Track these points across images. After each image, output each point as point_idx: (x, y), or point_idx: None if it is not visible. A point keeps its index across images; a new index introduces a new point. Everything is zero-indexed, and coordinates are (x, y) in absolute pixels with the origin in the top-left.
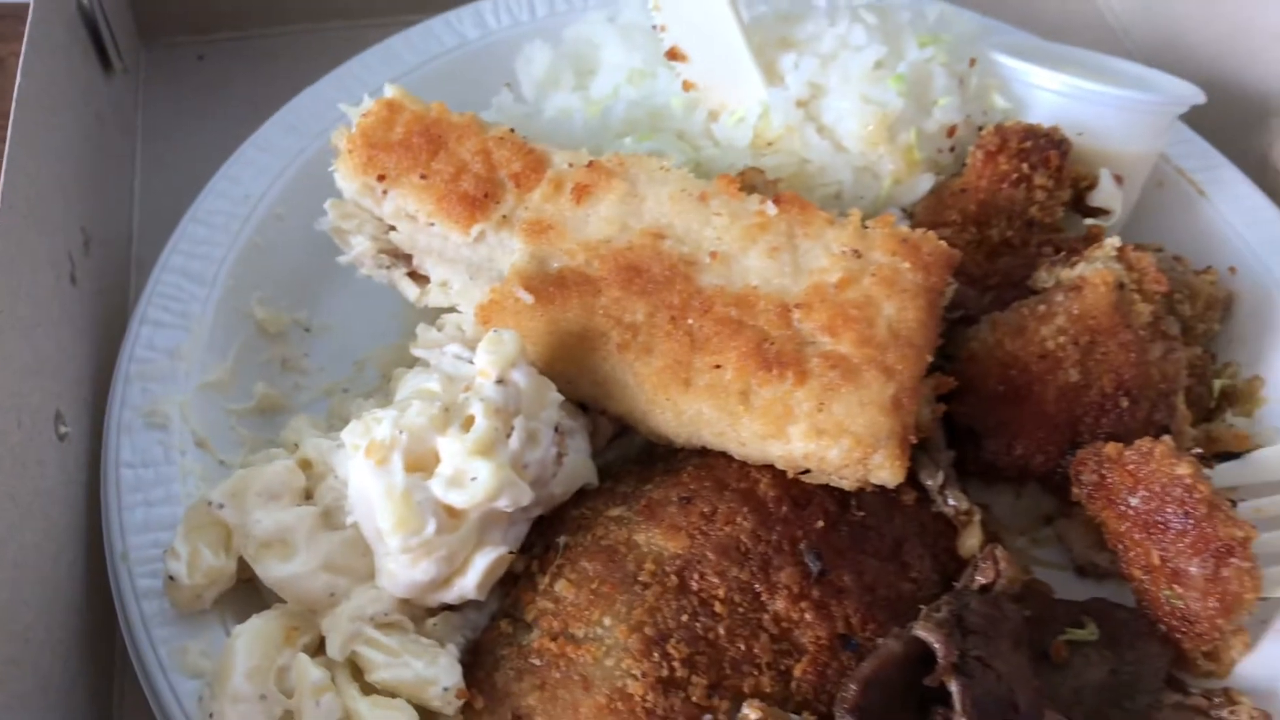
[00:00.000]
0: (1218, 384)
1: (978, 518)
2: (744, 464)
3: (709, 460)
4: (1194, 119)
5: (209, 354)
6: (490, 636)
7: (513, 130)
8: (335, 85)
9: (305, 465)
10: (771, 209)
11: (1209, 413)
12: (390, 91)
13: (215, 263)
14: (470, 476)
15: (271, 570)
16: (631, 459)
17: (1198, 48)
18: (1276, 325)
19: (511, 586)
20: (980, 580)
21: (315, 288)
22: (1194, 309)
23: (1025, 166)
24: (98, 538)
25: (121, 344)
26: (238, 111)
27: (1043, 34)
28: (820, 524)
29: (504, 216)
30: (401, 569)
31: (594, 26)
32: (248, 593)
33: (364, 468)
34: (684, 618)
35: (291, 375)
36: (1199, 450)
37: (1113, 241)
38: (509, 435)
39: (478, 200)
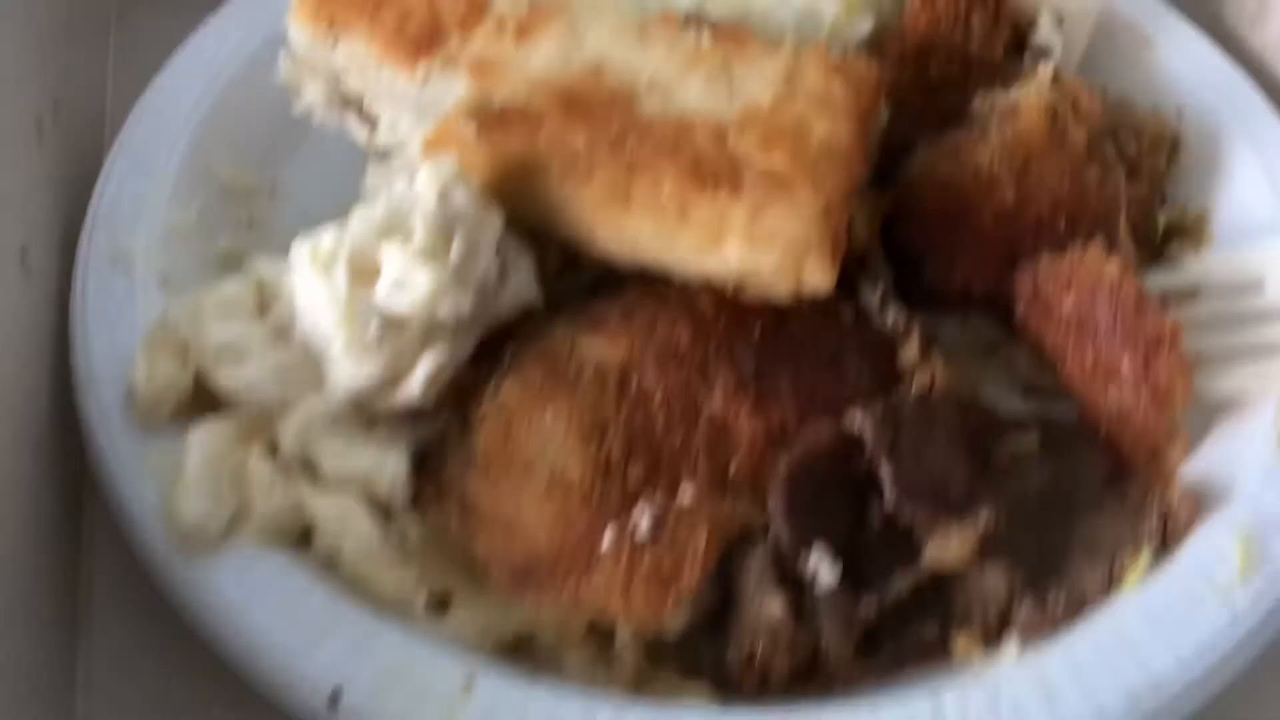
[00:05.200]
0: (1163, 219)
1: (916, 331)
2: (684, 284)
3: (651, 282)
4: None
5: (174, 206)
6: (437, 442)
7: None
8: None
9: (260, 287)
10: (707, 40)
11: (1157, 249)
12: None
13: (182, 122)
14: (411, 284)
15: (226, 378)
16: (579, 291)
17: None
18: (1221, 165)
19: (458, 400)
20: (917, 386)
21: (281, 153)
22: (1140, 147)
23: (962, 6)
24: (61, 367)
25: (92, 194)
26: None
27: None
28: (757, 334)
29: (448, 57)
30: (347, 371)
31: None
32: (203, 412)
33: (310, 276)
34: (623, 414)
35: (255, 233)
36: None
37: (1047, 69)
38: (449, 248)
39: (423, 42)
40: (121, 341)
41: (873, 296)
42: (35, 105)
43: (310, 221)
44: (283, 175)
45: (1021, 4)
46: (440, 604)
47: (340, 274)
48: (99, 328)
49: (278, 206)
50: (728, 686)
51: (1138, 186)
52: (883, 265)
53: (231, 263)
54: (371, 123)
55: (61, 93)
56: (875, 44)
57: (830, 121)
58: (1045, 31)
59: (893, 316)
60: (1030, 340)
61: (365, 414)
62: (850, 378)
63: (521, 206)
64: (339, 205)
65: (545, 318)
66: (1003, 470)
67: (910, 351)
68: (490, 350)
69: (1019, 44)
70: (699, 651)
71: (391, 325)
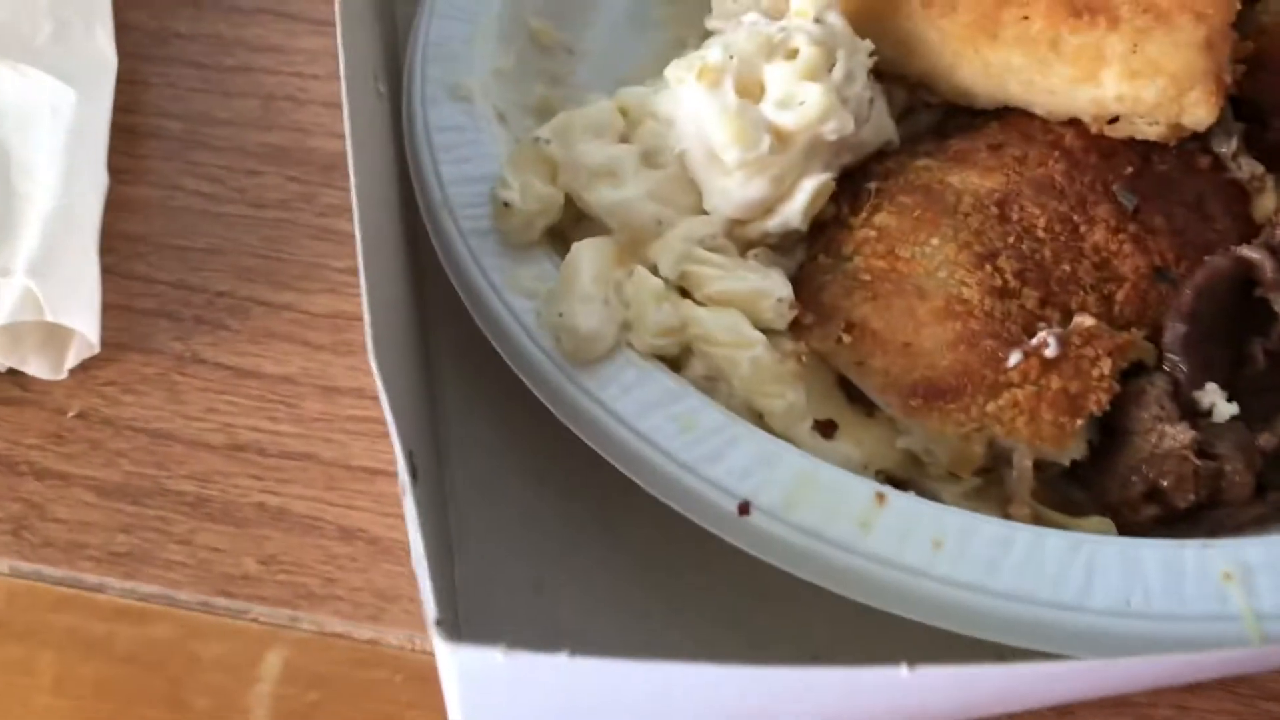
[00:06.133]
0: None
1: (1270, 183)
2: (1047, 121)
3: (1011, 118)
4: None
5: (498, 50)
6: (808, 271)
7: None
8: None
9: (623, 112)
10: None
11: None
12: None
13: None
14: (799, 99)
15: (604, 196)
16: (921, 134)
17: None
18: None
19: (819, 234)
20: None
21: (582, 14)
22: None
23: None
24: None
25: (413, 34)
26: None
27: None
28: (1129, 170)
29: None
30: (735, 186)
31: None
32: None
33: (696, 91)
34: (1009, 240)
35: (560, 89)
36: None
37: None
38: (831, 69)
39: None
40: (471, 170)
41: (1227, 146)
42: None
43: (605, 82)
44: (580, 36)
45: None
46: (823, 431)
47: (729, 88)
48: (448, 155)
49: (575, 65)
50: (1121, 522)
51: None
52: (1233, 120)
53: (546, 112)
54: None
55: None
56: None
57: None
58: None
59: (1247, 169)
60: None
61: (739, 241)
62: (1215, 221)
63: (877, 39)
64: (630, 71)
65: (899, 158)
66: None
67: (1267, 202)
68: (847, 188)
69: None
70: (1069, 492)
71: (780, 141)
